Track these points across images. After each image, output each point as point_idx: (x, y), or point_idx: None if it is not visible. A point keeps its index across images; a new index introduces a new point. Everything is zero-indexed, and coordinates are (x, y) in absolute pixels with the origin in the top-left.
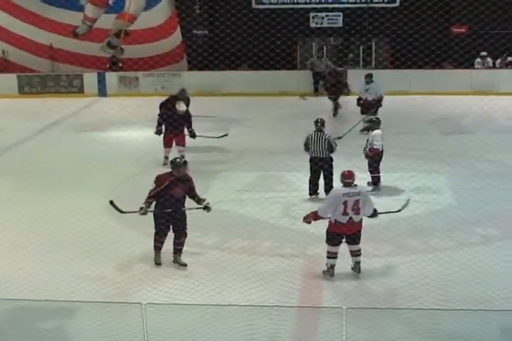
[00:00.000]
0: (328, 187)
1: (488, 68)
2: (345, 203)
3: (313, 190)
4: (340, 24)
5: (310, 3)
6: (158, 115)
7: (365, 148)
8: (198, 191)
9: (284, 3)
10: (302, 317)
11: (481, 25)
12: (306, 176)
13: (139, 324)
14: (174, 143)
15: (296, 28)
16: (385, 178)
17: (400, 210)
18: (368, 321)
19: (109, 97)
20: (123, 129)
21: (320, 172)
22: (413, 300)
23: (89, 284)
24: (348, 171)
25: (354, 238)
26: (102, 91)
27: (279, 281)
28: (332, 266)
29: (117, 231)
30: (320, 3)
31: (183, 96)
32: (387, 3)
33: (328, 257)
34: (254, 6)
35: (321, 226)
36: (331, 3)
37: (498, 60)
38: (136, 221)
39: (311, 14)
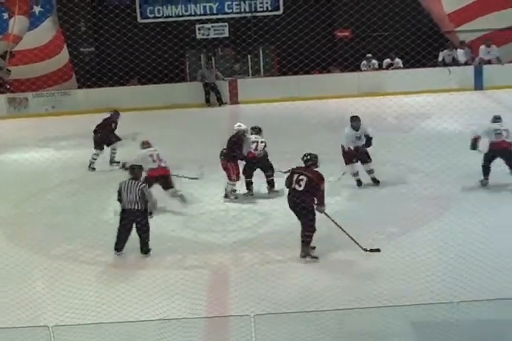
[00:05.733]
0: (144, 247)
1: (374, 70)
2: None
3: (119, 247)
4: (226, 34)
5: (195, 15)
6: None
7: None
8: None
9: (168, 17)
10: (212, 328)
11: (363, 28)
12: (202, 187)
13: None
14: None
15: (183, 40)
16: (281, 183)
17: None
18: (277, 326)
19: None
20: (13, 152)
21: (131, 227)
22: (319, 302)
23: None
24: None
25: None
26: None
27: (185, 293)
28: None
29: (15, 254)
30: (205, 14)
31: (115, 117)
32: (271, 11)
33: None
34: (139, 20)
35: (226, 236)
36: (215, 14)
37: (387, 60)
38: (34, 242)
39: (197, 26)
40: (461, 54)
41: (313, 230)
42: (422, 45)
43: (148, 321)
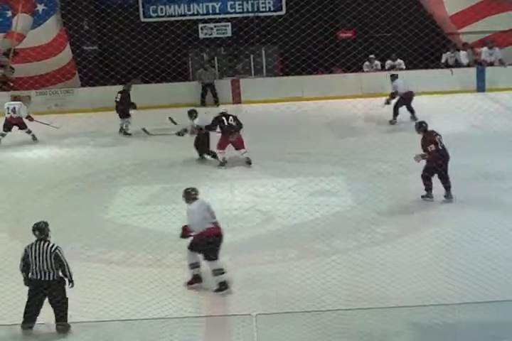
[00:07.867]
0: (62, 325)
1: (376, 71)
2: None
3: (27, 327)
4: (229, 34)
5: (197, 14)
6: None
7: None
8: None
9: (171, 16)
10: (214, 326)
11: (365, 29)
12: (204, 186)
13: None
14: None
15: (186, 39)
16: (283, 184)
17: None
18: (279, 326)
19: (2, 117)
20: (17, 150)
21: (42, 302)
22: (321, 302)
23: None
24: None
25: None
26: None
27: (187, 292)
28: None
29: (18, 250)
30: (207, 14)
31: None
32: (274, 11)
33: None
34: (142, 19)
35: (228, 235)
36: (218, 13)
37: (389, 61)
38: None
39: (200, 25)
40: (463, 56)
41: None
42: (425, 47)
43: (150, 319)
